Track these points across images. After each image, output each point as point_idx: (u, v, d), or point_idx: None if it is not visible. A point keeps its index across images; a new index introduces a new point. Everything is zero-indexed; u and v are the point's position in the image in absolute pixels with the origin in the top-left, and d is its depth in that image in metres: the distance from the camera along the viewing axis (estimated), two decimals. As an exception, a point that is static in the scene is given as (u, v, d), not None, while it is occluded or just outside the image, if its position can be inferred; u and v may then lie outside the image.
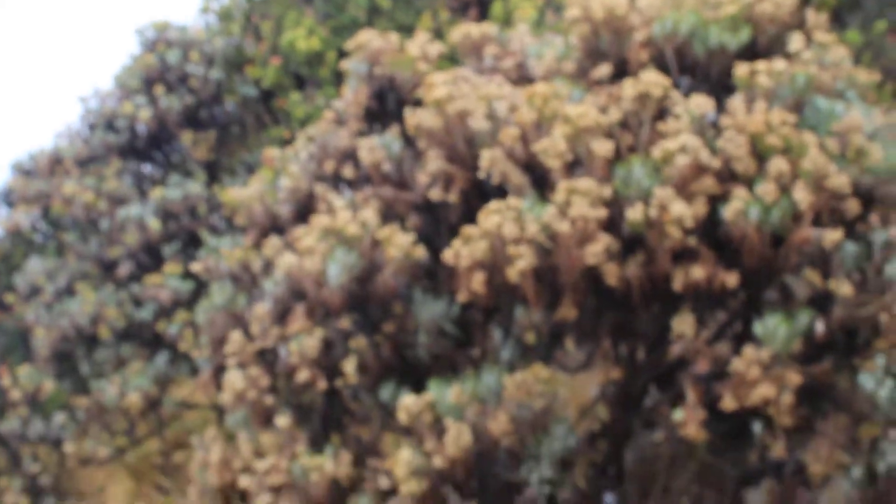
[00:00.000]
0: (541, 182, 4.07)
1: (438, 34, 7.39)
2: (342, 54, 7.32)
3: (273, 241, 4.83)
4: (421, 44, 4.82)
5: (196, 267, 5.59)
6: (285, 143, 7.33)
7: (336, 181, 4.91)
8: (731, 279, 3.84)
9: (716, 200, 3.89)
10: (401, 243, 4.15)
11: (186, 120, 7.73)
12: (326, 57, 7.37)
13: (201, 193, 7.31)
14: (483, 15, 7.82)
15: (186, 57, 7.81)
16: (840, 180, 3.84)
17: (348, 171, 4.81)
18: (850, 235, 4.03)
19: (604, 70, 4.45)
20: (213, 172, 7.91)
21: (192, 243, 7.21)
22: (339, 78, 7.23)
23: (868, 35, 8.08)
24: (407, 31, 7.57)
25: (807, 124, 4.14)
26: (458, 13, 7.90)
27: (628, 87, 4.03)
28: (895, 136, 4.37)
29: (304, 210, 5.05)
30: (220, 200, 7.24)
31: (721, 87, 4.40)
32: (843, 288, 3.90)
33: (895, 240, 4.10)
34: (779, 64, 4.14)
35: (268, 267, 5.05)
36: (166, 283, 6.86)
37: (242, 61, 7.81)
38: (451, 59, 6.02)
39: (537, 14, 7.23)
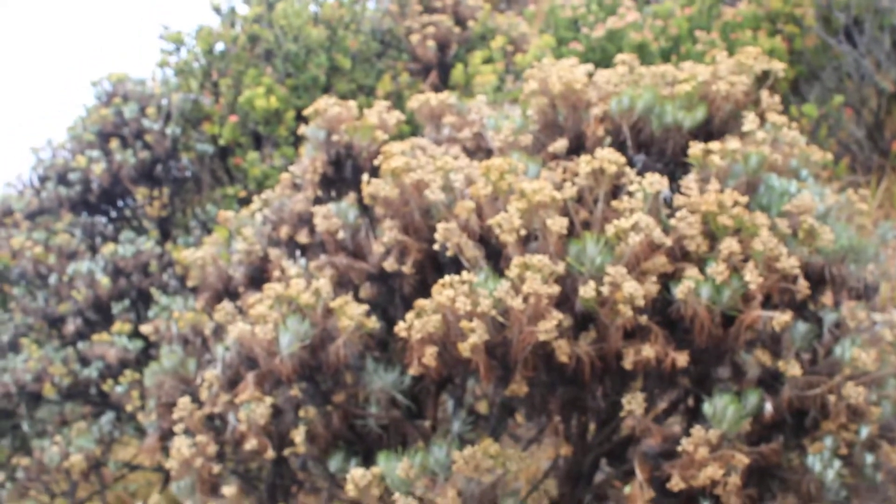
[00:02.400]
0: (495, 256, 4.07)
1: (398, 96, 7.44)
2: (301, 114, 7.36)
3: (225, 307, 4.80)
4: (379, 112, 4.83)
5: (146, 329, 5.53)
6: (241, 201, 7.31)
7: (291, 246, 4.90)
8: (682, 359, 3.85)
9: (667, 279, 3.90)
10: (353, 313, 4.13)
11: (141, 175, 7.66)
12: (285, 116, 7.37)
13: (154, 251, 7.24)
14: (444, 78, 7.89)
15: (143, 111, 7.76)
16: (790, 262, 3.87)
17: (303, 237, 4.80)
18: (801, 315, 4.06)
19: (560, 144, 4.49)
20: (167, 229, 7.85)
21: (142, 301, 7.14)
22: (297, 138, 7.24)
23: (825, 108, 8.25)
24: (367, 91, 7.62)
25: (759, 203, 4.19)
26: (418, 75, 7.96)
27: (583, 164, 4.05)
28: (847, 215, 4.45)
29: (258, 274, 5.03)
30: (173, 258, 7.19)
31: (676, 165, 4.45)
32: (793, 369, 3.92)
33: (845, 320, 4.14)
34: (732, 143, 4.19)
35: (219, 330, 5.02)
36: (114, 341, 6.77)
37: (200, 117, 7.79)
38: (409, 123, 6.06)
39: (497, 80, 7.30)
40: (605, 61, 8.32)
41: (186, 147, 7.76)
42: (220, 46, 7.85)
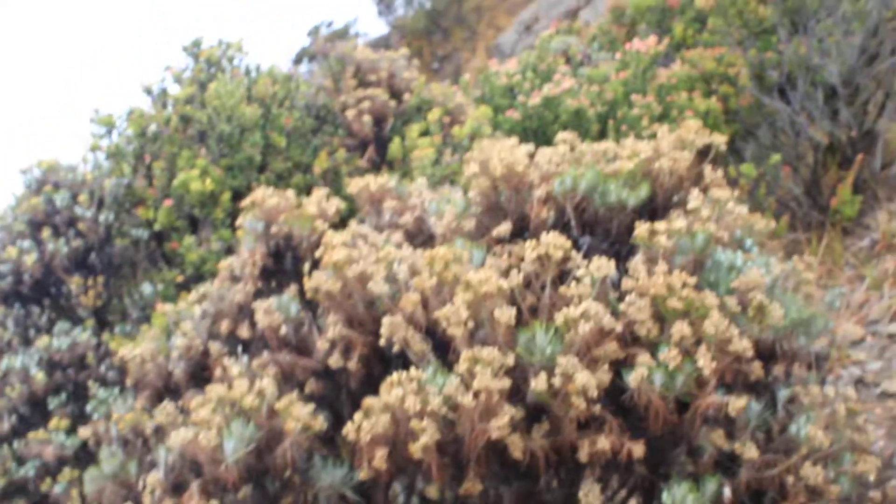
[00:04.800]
0: (443, 347, 3.98)
1: (336, 173, 7.35)
2: (237, 194, 7.23)
3: (167, 407, 4.65)
4: (318, 201, 4.74)
5: (84, 433, 5.36)
6: (179, 286, 7.15)
7: (232, 341, 4.77)
8: (638, 449, 3.77)
9: (619, 365, 3.83)
10: (299, 415, 4.00)
11: (74, 264, 7.48)
12: (221, 198, 7.24)
13: (90, 342, 7.05)
14: (381, 152, 7.82)
15: (75, 198, 7.59)
16: (742, 344, 3.82)
17: (244, 331, 4.68)
18: (754, 391, 4.01)
19: (504, 228, 4.41)
20: (103, 318, 7.66)
21: (79, 395, 6.94)
22: (234, 219, 7.10)
23: (763, 167, 8.30)
24: (304, 169, 7.52)
25: (707, 280, 4.14)
26: (355, 151, 7.88)
27: (529, 250, 3.98)
28: (794, 284, 4.41)
29: (199, 370, 4.90)
30: (110, 348, 7.00)
31: (622, 244, 4.40)
32: (749, 451, 3.87)
33: (798, 396, 4.10)
34: (678, 222, 4.15)
35: (160, 431, 4.86)
36: (51, 438, 6.56)
37: (134, 202, 7.64)
38: (347, 199, 5.95)
39: (435, 153, 7.24)
40: (542, 128, 8.33)
41: (121, 233, 7.59)
42: (152, 128, 7.71)
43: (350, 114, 7.87)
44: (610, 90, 8.50)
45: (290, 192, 4.76)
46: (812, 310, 4.25)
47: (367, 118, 7.85)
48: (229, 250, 7.01)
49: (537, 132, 8.34)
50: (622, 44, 10.24)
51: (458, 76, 20.16)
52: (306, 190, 7.40)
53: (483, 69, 14.42)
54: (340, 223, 5.04)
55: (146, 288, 7.51)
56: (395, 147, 7.55)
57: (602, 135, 8.23)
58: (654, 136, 4.83)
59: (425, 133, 7.71)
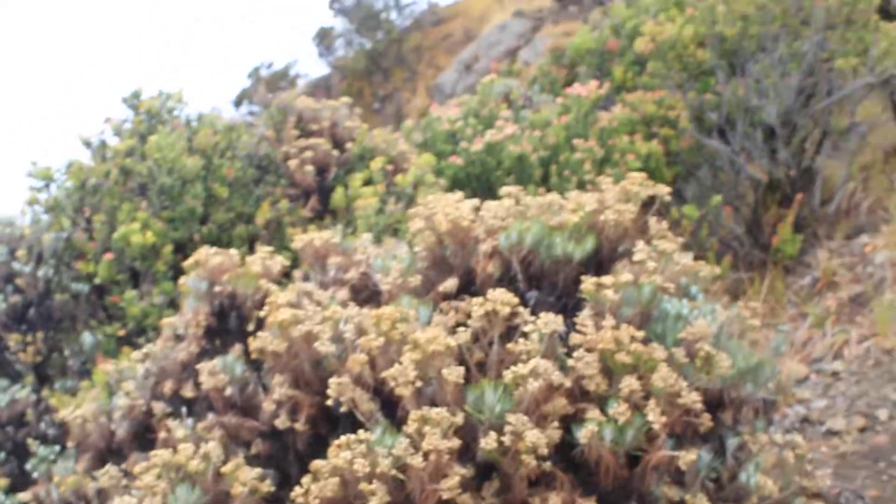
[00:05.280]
0: (391, 406, 3.95)
1: (279, 223, 7.30)
2: (179, 246, 7.15)
3: (110, 471, 4.56)
4: (262, 259, 4.70)
5: (24, 496, 5.25)
6: (121, 341, 7.05)
7: (176, 401, 4.70)
8: (590, 505, 3.75)
9: (569, 420, 3.82)
10: (246, 478, 3.94)
11: (13, 320, 7.36)
12: (162, 251, 7.15)
13: (29, 398, 6.92)
14: (324, 202, 7.78)
15: (13, 254, 7.48)
16: (692, 398, 3.82)
17: (188, 391, 4.61)
18: (703, 440, 4.01)
19: (450, 283, 4.39)
20: (43, 373, 7.53)
21: (19, 453, 6.80)
22: (176, 272, 7.03)
23: (705, 208, 8.37)
24: (246, 219, 7.46)
25: (654, 331, 4.14)
26: (298, 201, 7.82)
27: (476, 307, 3.96)
28: (739, 331, 4.43)
29: (143, 430, 4.82)
30: (51, 404, 6.88)
31: (569, 297, 4.39)
32: (700, 502, 3.86)
33: (747, 444, 4.11)
34: (624, 275, 4.16)
35: (103, 494, 4.76)
36: (-9, 499, 6.43)
37: (73, 256, 7.52)
38: (290, 249, 5.90)
39: (379, 202, 7.23)
40: (485, 174, 8.34)
41: (60, 287, 7.46)
42: (92, 181, 7.60)
43: (292, 163, 7.82)
44: (552, 135, 8.54)
45: (234, 251, 4.71)
46: (759, 357, 4.27)
47: (309, 168, 7.80)
48: (172, 303, 6.93)
49: (480, 178, 8.36)
50: (562, 85, 10.31)
51: (399, 116, 20.20)
52: (249, 240, 7.35)
53: (424, 109, 14.46)
54: (284, 275, 5.00)
55: (87, 338, 7.39)
56: (338, 196, 7.51)
57: (545, 180, 8.27)
58: (595, 182, 4.85)
59: (368, 182, 7.69)
